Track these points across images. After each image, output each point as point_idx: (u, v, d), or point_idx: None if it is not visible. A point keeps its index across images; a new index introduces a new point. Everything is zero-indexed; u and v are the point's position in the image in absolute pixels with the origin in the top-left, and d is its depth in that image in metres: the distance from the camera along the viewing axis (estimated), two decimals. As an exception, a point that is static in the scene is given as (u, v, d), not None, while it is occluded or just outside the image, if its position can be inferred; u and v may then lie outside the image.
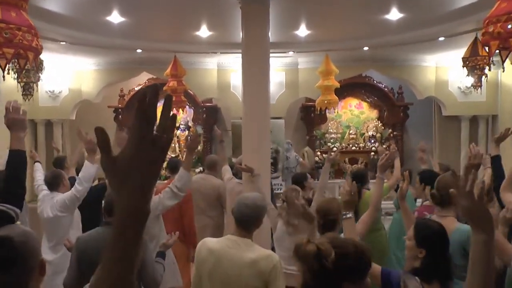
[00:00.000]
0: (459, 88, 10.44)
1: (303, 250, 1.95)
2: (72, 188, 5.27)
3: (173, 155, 11.47)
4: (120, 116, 11.33)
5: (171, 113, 1.03)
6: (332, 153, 6.21)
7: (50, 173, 5.73)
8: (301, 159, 9.76)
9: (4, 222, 1.49)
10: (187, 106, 10.38)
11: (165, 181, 6.94)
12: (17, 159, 2.94)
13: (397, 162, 6.80)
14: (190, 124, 11.82)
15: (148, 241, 4.51)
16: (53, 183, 5.51)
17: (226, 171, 6.82)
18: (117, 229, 0.96)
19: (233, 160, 10.22)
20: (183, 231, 6.27)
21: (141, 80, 11.43)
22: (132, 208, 0.96)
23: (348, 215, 3.31)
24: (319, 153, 11.47)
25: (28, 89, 8.19)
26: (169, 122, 1.03)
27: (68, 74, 10.54)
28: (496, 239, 3.11)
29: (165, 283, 5.07)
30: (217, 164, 7.02)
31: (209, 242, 3.53)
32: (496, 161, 4.88)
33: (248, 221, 3.44)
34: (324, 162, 6.04)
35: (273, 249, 5.20)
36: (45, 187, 5.55)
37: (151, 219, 4.86)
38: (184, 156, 11.35)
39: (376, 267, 2.91)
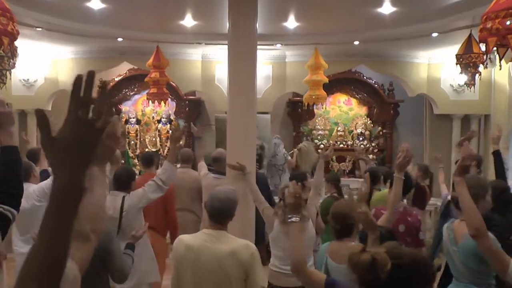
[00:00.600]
0: (452, 86, 10.49)
1: (357, 260, 1.91)
2: (51, 176, 5.24)
3: (153, 149, 11.41)
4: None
5: (106, 97, 1.18)
6: (327, 150, 6.20)
7: None
8: (289, 158, 9.75)
9: (1, 223, 1.47)
10: (169, 99, 10.32)
11: (140, 176, 6.88)
12: (10, 156, 2.82)
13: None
14: (172, 117, 11.77)
15: (113, 231, 4.58)
16: (24, 175, 5.44)
17: (202, 167, 6.95)
18: (55, 202, 1.10)
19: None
20: (167, 226, 6.32)
21: (121, 70, 11.34)
22: (69, 184, 1.10)
23: (293, 219, 3.17)
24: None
25: (0, 76, 8.05)
26: (106, 106, 1.16)
27: (44, 63, 10.41)
28: (493, 250, 3.12)
29: (144, 278, 5.15)
30: (191, 157, 7.17)
31: (185, 239, 3.69)
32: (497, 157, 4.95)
33: (221, 214, 3.63)
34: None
35: (268, 249, 5.22)
36: None
37: (134, 213, 4.97)
38: (166, 150, 11.38)
39: (320, 276, 2.93)
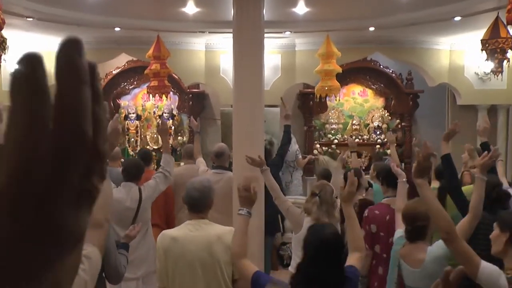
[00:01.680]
0: (476, 74, 10.42)
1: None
2: None
3: (155, 147, 11.43)
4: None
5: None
6: (347, 151, 6.27)
7: None
8: (300, 157, 9.73)
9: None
10: (171, 92, 10.31)
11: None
12: None
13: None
14: (175, 112, 11.78)
15: (112, 227, 4.94)
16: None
17: (201, 163, 7.07)
18: None
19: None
20: (167, 220, 6.69)
21: (119, 62, 11.36)
22: None
23: (242, 212, 3.58)
24: (318, 145, 11.47)
25: (-12, 71, 8.07)
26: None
27: (36, 55, 10.42)
28: (462, 250, 3.15)
29: (152, 267, 5.46)
30: (193, 153, 7.42)
31: (169, 232, 4.01)
32: (446, 160, 4.90)
33: (199, 204, 3.93)
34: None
35: (278, 253, 5.26)
36: None
37: (148, 204, 5.60)
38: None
39: (250, 268, 3.35)
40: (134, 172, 5.59)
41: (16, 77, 0.52)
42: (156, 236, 5.82)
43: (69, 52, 0.57)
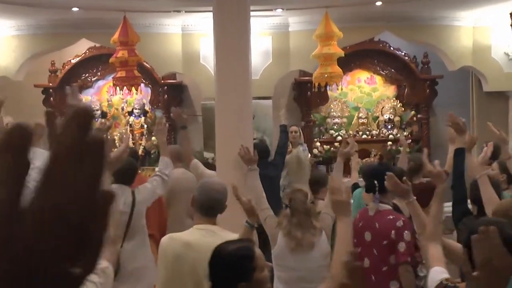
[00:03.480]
0: (507, 54, 10.47)
1: None
2: None
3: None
4: (51, 99, 11.26)
5: None
6: (348, 144, 6.18)
7: None
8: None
9: None
10: (142, 84, 10.29)
11: None
12: None
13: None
14: (147, 107, 11.80)
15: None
16: None
17: (198, 164, 6.89)
18: None
19: (206, 155, 10.17)
20: (161, 231, 6.61)
21: (79, 49, 11.36)
22: None
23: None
24: (318, 143, 11.48)
25: None
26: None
27: (-21, 42, 10.44)
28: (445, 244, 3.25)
29: (149, 280, 5.55)
30: (182, 155, 7.11)
31: (179, 237, 4.11)
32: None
33: (218, 207, 4.08)
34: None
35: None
36: None
37: (143, 209, 5.74)
38: (141, 150, 11.37)
39: None
40: (127, 173, 5.73)
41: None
42: (152, 248, 5.97)
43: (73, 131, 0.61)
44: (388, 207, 5.12)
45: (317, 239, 4.73)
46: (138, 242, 5.63)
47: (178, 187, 6.70)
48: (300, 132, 9.52)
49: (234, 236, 3.92)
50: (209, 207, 4.06)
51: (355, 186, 6.73)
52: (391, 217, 5.02)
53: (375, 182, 5.07)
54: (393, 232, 4.87)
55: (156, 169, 6.19)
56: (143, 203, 5.72)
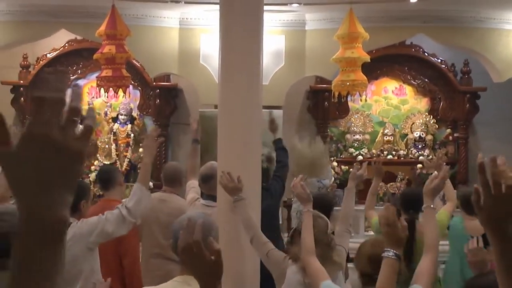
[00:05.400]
0: None
1: None
2: None
3: (106, 161, 11.43)
4: (22, 98, 11.30)
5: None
6: (360, 167, 6.22)
7: None
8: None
9: None
10: (130, 86, 10.31)
11: (96, 203, 6.89)
12: None
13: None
14: (135, 113, 11.84)
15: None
16: None
17: (192, 188, 6.88)
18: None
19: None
20: (122, 278, 6.35)
21: (56, 42, 11.43)
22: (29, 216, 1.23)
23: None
24: (335, 163, 11.46)
25: None
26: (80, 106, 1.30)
27: None
28: None
29: None
30: (181, 175, 7.06)
31: None
32: None
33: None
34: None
35: None
36: None
37: (80, 249, 5.02)
38: (125, 164, 11.39)
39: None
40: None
41: None
42: None
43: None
44: None
45: (335, 276, 4.74)
46: None
47: (154, 215, 6.55)
48: None
49: None
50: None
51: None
52: None
53: None
54: None
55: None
56: (78, 242, 4.96)
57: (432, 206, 4.29)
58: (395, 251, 3.57)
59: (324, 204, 6.01)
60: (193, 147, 7.08)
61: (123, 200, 5.41)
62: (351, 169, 11.00)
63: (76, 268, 4.95)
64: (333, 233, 4.94)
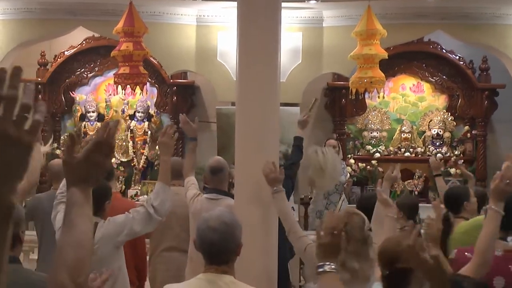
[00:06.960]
0: None
1: None
2: None
3: (123, 159, 11.46)
4: (39, 96, 11.26)
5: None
6: (397, 166, 6.21)
7: None
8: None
9: None
10: (147, 84, 10.33)
11: None
12: None
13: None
14: (152, 111, 11.87)
15: None
16: None
17: (191, 184, 6.89)
18: None
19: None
20: (138, 271, 6.49)
21: (74, 39, 11.45)
22: None
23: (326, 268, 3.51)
24: (352, 160, 11.44)
25: None
26: (31, 101, 1.51)
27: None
28: None
29: None
30: (182, 169, 7.14)
31: None
32: None
33: (220, 250, 3.67)
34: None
35: None
36: None
37: (110, 248, 5.17)
38: (142, 161, 11.43)
39: None
40: (94, 199, 5.11)
41: None
42: None
43: None
44: None
45: (371, 273, 4.70)
46: None
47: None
48: (339, 148, 9.50)
49: None
50: (209, 252, 3.68)
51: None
52: None
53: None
54: None
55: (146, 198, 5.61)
56: (107, 241, 5.12)
57: (495, 208, 4.15)
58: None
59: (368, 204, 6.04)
60: (191, 145, 7.08)
61: (146, 197, 5.45)
62: (368, 166, 11.21)
63: (105, 268, 4.98)
64: (370, 229, 4.92)
